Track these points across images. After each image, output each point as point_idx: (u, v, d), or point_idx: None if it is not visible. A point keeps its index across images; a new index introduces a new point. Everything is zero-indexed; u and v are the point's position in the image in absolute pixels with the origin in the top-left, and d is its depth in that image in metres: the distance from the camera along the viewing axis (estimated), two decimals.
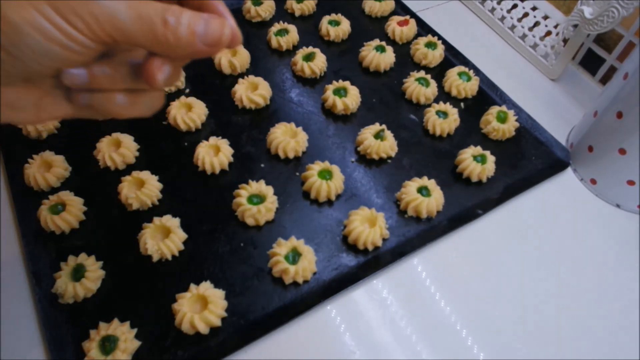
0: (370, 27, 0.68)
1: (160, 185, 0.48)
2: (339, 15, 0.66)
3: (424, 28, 0.67)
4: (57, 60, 0.24)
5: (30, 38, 0.22)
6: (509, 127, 0.55)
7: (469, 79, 0.60)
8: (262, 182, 0.48)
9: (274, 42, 0.63)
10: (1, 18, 0.22)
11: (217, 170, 0.50)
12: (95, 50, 0.24)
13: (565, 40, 0.61)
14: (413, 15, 0.69)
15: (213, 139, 0.51)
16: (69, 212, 0.45)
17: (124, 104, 0.27)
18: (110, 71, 0.26)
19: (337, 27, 0.64)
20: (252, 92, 0.56)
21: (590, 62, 0.64)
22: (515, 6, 0.68)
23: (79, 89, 0.26)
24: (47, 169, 0.48)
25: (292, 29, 0.63)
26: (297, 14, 0.68)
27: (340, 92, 0.56)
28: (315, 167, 0.49)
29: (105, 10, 0.23)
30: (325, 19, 0.65)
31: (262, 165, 0.52)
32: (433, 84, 0.59)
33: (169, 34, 0.24)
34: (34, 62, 0.23)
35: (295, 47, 0.64)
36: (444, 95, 0.60)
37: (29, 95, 0.26)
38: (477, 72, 0.62)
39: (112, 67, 0.26)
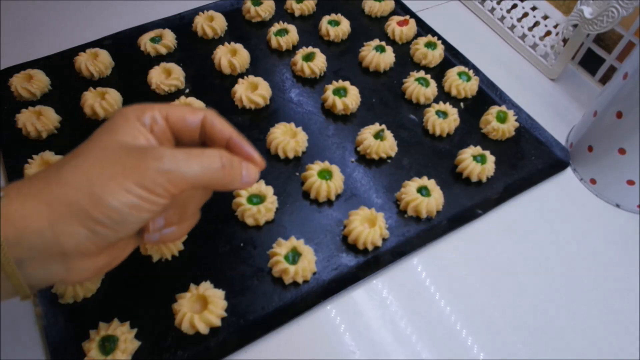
0: (370, 27, 0.68)
1: None
2: (339, 15, 0.66)
3: (423, 28, 0.67)
4: (142, 223, 0.29)
5: (128, 214, 0.27)
6: (509, 127, 0.55)
7: (468, 79, 0.60)
8: (261, 182, 0.48)
9: (273, 42, 0.63)
10: (104, 205, 0.26)
11: None
12: (167, 205, 0.29)
13: (565, 40, 0.61)
14: (413, 15, 0.69)
15: None
16: None
17: (179, 229, 0.34)
18: (172, 212, 0.32)
19: (337, 27, 0.64)
20: (252, 92, 0.56)
21: (590, 62, 0.64)
22: (515, 6, 0.68)
23: (154, 232, 0.32)
24: None
25: (292, 29, 0.63)
26: (297, 14, 0.68)
27: (340, 92, 0.56)
28: (315, 167, 0.49)
29: (177, 174, 0.28)
30: (325, 19, 0.65)
31: None
32: (433, 84, 0.59)
33: (227, 178, 0.30)
34: (127, 230, 0.28)
35: (295, 47, 0.64)
36: (443, 95, 0.60)
37: (110, 256, 0.31)
38: (477, 72, 0.62)
39: (173, 209, 0.32)
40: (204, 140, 0.33)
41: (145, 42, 0.61)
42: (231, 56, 0.59)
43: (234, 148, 0.32)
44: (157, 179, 0.27)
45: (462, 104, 0.59)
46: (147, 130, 0.30)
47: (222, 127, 0.32)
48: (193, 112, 0.32)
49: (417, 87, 0.58)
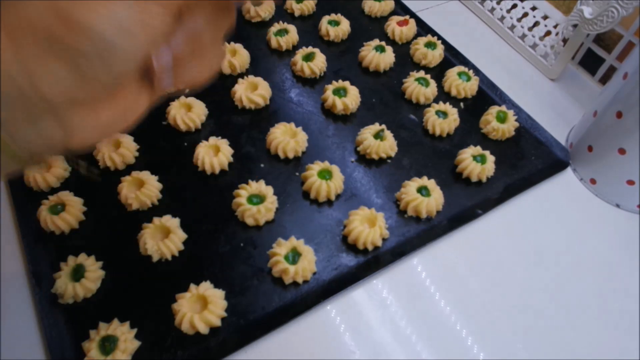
0: (370, 27, 0.68)
1: (160, 186, 0.48)
2: (339, 15, 0.66)
3: (423, 28, 0.67)
4: (139, 56, 0.21)
5: (116, 37, 0.19)
6: (509, 127, 0.55)
7: (468, 78, 0.60)
8: (262, 182, 0.48)
9: (273, 42, 0.63)
10: (79, 25, 0.19)
11: (217, 171, 0.50)
12: (169, 23, 0.21)
13: (564, 40, 0.61)
14: (413, 15, 0.69)
15: (213, 139, 0.51)
16: (69, 213, 0.45)
17: (199, 69, 0.25)
18: (181, 41, 0.24)
19: (337, 27, 0.64)
20: (252, 92, 0.56)
21: (589, 62, 0.64)
22: (514, 6, 0.68)
23: (163, 72, 0.24)
24: (46, 169, 0.48)
25: (292, 29, 0.63)
26: (296, 14, 0.68)
27: (340, 92, 0.56)
28: (315, 167, 0.49)
29: None
30: (325, 19, 0.65)
31: (262, 165, 0.52)
32: (433, 83, 0.59)
33: None
34: (120, 65, 0.21)
35: (295, 47, 0.64)
36: (443, 95, 0.60)
37: (117, 108, 0.23)
38: (477, 72, 0.62)
39: (182, 36, 0.24)
40: None
41: None
42: (231, 56, 0.59)
43: None
44: None
45: (462, 104, 0.59)
46: None
47: None
48: None
49: (417, 87, 0.58)
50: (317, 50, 0.60)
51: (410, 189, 0.49)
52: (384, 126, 0.53)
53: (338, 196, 0.50)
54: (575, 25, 0.59)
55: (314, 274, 0.44)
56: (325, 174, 0.49)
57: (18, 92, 0.19)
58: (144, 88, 0.24)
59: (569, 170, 0.55)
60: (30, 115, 0.20)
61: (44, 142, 0.21)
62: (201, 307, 0.41)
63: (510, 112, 0.56)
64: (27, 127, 0.20)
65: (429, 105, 0.58)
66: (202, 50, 0.25)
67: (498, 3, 0.69)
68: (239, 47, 0.60)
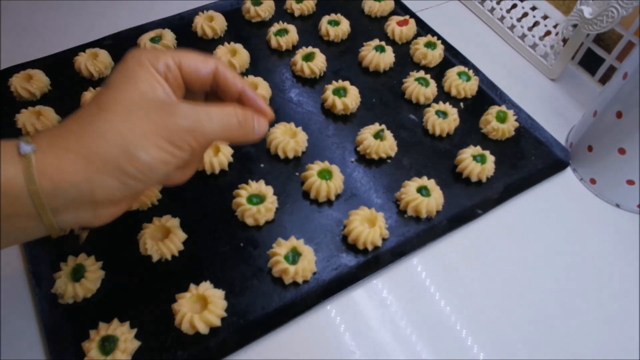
0: (369, 27, 0.68)
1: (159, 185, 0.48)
2: (339, 15, 0.66)
3: (423, 28, 0.67)
4: (166, 174, 0.31)
5: (158, 168, 0.30)
6: (509, 127, 0.55)
7: (468, 78, 0.60)
8: (261, 182, 0.48)
9: (273, 42, 0.63)
10: (139, 161, 0.29)
11: (217, 170, 0.50)
12: (185, 160, 0.31)
13: (564, 40, 0.61)
14: (413, 15, 0.69)
15: None
16: None
17: (181, 176, 0.36)
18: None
19: (337, 27, 0.64)
20: None
21: (589, 62, 0.64)
22: (514, 6, 0.68)
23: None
24: None
25: (292, 29, 0.63)
26: (296, 14, 0.68)
27: (340, 92, 0.56)
28: (315, 167, 0.49)
29: (200, 131, 0.30)
30: (325, 19, 0.65)
31: (262, 165, 0.52)
32: (433, 83, 0.59)
33: (242, 133, 0.33)
34: (154, 181, 0.31)
35: (295, 47, 0.64)
36: (443, 95, 0.60)
37: (134, 200, 0.35)
38: (477, 72, 0.62)
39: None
40: (215, 90, 0.35)
41: (145, 42, 0.61)
42: (231, 56, 0.59)
43: (246, 102, 0.34)
44: (184, 136, 0.30)
45: (462, 104, 0.59)
46: (162, 78, 0.31)
47: (234, 80, 0.34)
48: (205, 61, 0.33)
49: (417, 87, 0.58)
50: (317, 50, 0.60)
51: (410, 189, 0.49)
52: (383, 126, 0.53)
53: (338, 196, 0.50)
54: (575, 25, 0.59)
55: (314, 274, 0.44)
56: (325, 174, 0.49)
57: (77, 195, 0.28)
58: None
59: (569, 170, 0.55)
60: (78, 208, 0.29)
61: (75, 222, 0.30)
62: (201, 307, 0.41)
63: (510, 112, 0.56)
64: (70, 214, 0.29)
65: (429, 105, 0.58)
66: (191, 163, 0.37)
67: (498, 3, 0.69)
68: (239, 47, 0.60)
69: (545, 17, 0.66)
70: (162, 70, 0.31)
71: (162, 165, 0.29)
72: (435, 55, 0.62)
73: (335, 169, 0.50)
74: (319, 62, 0.59)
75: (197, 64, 0.33)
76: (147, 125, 0.29)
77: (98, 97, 0.30)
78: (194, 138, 0.30)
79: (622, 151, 0.49)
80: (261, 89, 0.56)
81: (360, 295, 0.44)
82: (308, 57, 0.60)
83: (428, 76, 0.59)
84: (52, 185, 0.27)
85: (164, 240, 0.44)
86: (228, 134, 0.32)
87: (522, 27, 0.67)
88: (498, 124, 0.55)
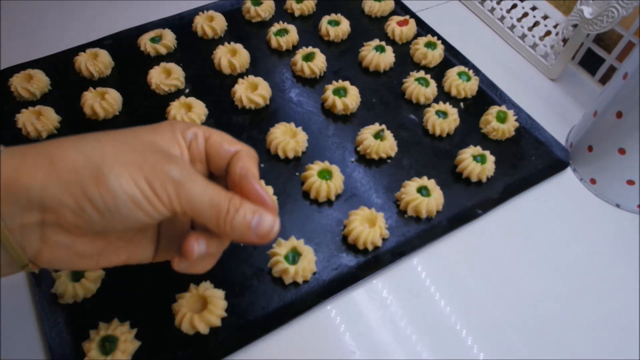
0: (369, 27, 0.68)
1: None
2: (339, 15, 0.66)
3: (423, 28, 0.67)
4: (135, 223, 0.27)
5: (123, 205, 0.25)
6: (509, 127, 0.55)
7: (468, 78, 0.60)
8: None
9: (273, 42, 0.63)
10: (104, 185, 0.25)
11: None
12: (164, 217, 0.27)
13: (564, 40, 0.61)
14: (413, 15, 0.69)
15: None
16: None
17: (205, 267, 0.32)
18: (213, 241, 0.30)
19: (337, 27, 0.64)
20: (252, 92, 0.56)
21: (589, 62, 0.64)
22: (514, 6, 0.68)
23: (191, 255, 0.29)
24: None
25: (292, 29, 0.63)
26: (296, 14, 0.68)
27: (340, 92, 0.56)
28: (315, 167, 0.49)
29: (187, 190, 0.27)
30: (325, 19, 0.65)
31: (262, 165, 0.52)
32: (433, 84, 0.59)
33: (228, 221, 0.28)
34: (117, 223, 0.26)
35: (295, 47, 0.64)
36: (443, 95, 0.60)
37: (94, 246, 0.28)
38: (477, 72, 0.62)
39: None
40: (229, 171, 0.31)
41: (145, 42, 0.61)
42: (231, 56, 0.59)
43: (247, 193, 0.30)
44: (166, 184, 0.26)
45: (462, 104, 0.59)
46: (185, 144, 0.30)
47: (253, 176, 0.30)
48: (232, 142, 0.31)
49: (417, 87, 0.58)
50: (317, 50, 0.60)
51: (410, 189, 0.49)
52: (384, 126, 0.53)
53: (338, 196, 0.50)
54: (575, 25, 0.59)
55: (314, 274, 0.44)
56: (325, 174, 0.49)
57: (27, 202, 0.24)
58: (122, 249, 0.30)
59: (569, 170, 0.55)
60: (23, 220, 0.25)
61: (21, 246, 0.26)
62: (201, 307, 0.41)
63: (510, 112, 0.56)
64: (18, 227, 0.25)
65: (429, 105, 0.58)
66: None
67: (498, 3, 0.69)
68: (239, 47, 0.60)
69: (545, 17, 0.66)
70: (190, 137, 0.30)
71: (129, 202, 0.25)
72: (435, 55, 0.62)
73: (335, 169, 0.50)
74: (319, 62, 0.59)
75: (224, 141, 0.31)
76: (134, 157, 0.26)
77: (117, 130, 0.28)
78: (177, 194, 0.26)
79: (622, 151, 0.49)
80: (261, 89, 0.56)
81: (360, 295, 0.44)
82: (308, 57, 0.60)
83: (428, 76, 0.59)
84: (6, 187, 0.24)
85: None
86: (211, 216, 0.27)
87: (522, 27, 0.67)
88: (498, 124, 0.55)
